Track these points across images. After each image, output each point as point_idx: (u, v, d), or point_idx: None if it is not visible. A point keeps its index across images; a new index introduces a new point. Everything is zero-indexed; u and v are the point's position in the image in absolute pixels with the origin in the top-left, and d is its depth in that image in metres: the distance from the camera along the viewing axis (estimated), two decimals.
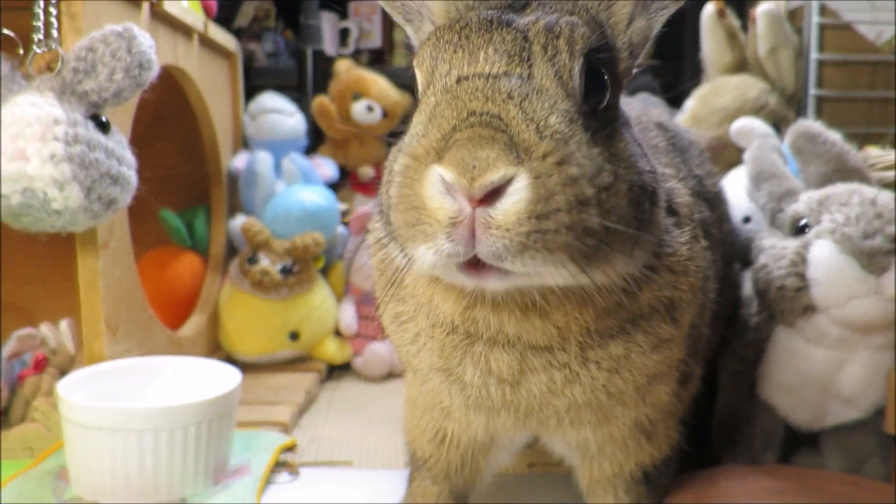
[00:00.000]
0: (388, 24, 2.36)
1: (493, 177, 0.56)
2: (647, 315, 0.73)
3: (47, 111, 0.95)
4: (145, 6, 1.31)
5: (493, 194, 0.56)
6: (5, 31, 1.06)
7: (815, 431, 1.13)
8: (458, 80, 0.61)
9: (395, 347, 0.86)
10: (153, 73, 1.06)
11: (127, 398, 1.08)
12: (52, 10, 1.04)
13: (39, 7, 1.04)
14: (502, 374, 0.73)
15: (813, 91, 1.72)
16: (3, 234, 1.73)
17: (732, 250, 1.18)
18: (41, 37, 1.03)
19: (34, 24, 1.04)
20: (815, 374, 1.06)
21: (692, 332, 0.82)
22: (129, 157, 1.06)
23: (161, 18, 1.39)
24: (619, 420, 0.82)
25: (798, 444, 1.17)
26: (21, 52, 1.07)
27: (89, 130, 0.99)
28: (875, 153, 1.24)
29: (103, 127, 1.02)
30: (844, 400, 1.07)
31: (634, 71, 0.74)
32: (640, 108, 1.11)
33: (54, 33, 1.05)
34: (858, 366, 1.04)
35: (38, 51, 1.03)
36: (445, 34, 0.65)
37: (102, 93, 1.03)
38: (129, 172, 1.05)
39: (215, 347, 1.68)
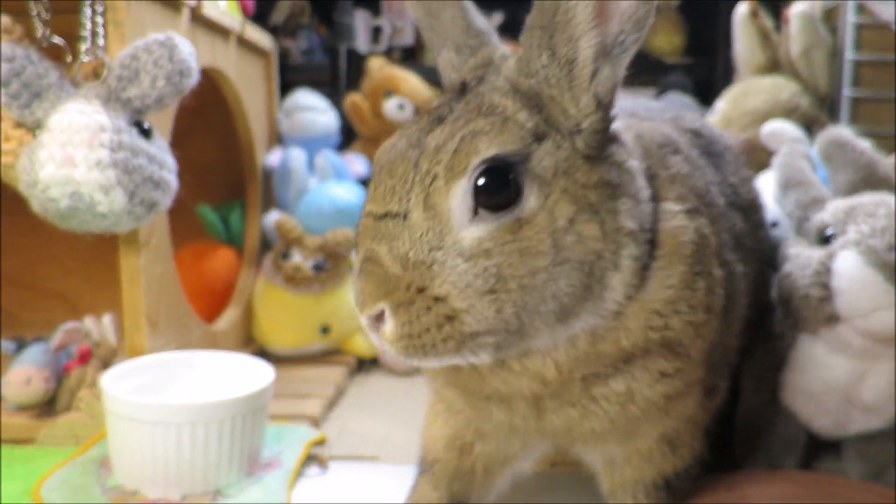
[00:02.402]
0: None
1: (370, 311, 0.68)
2: (640, 354, 0.74)
3: (94, 119, 1.00)
4: (186, 11, 1.35)
5: (378, 318, 0.68)
6: (55, 38, 1.11)
7: (837, 439, 1.14)
8: (364, 215, 0.71)
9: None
10: (193, 81, 1.10)
11: (166, 391, 1.13)
12: (99, 19, 1.09)
13: (86, 16, 1.08)
14: (524, 415, 0.78)
15: (847, 92, 1.70)
16: (49, 226, 1.81)
17: (765, 256, 1.17)
18: (88, 45, 1.08)
19: (81, 32, 1.09)
20: (837, 382, 1.06)
21: (713, 351, 0.81)
22: (170, 161, 1.11)
23: (200, 22, 1.44)
24: (645, 435, 0.84)
25: (819, 450, 1.18)
26: (69, 59, 1.12)
27: (133, 137, 1.03)
28: None
29: (146, 133, 1.07)
30: (866, 409, 1.07)
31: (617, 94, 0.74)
32: (672, 115, 1.07)
33: (100, 41, 1.09)
34: (881, 376, 1.04)
35: (85, 59, 1.08)
36: (376, 159, 0.73)
37: (145, 100, 1.07)
38: (170, 176, 1.10)
39: (248, 340, 1.73)
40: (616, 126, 0.75)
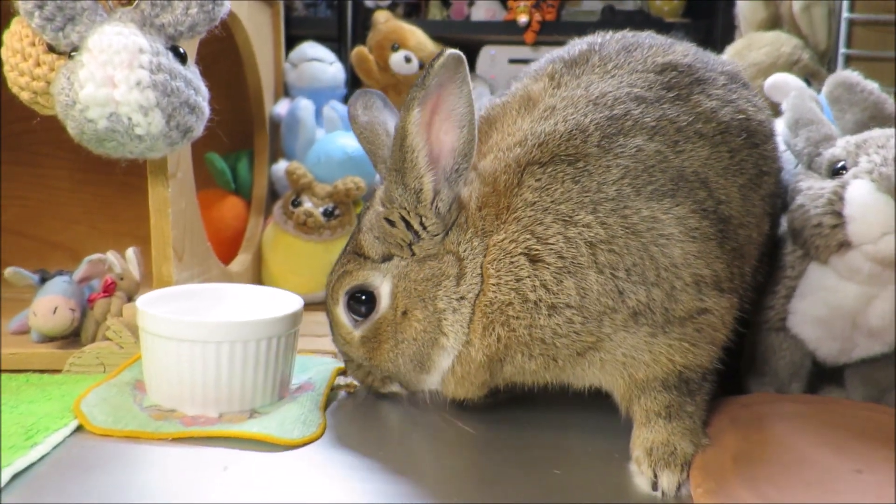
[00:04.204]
0: None
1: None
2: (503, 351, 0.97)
3: (133, 40, 1.00)
4: None
5: None
6: None
7: (840, 365, 1.20)
8: None
9: None
10: (226, 9, 1.11)
11: (198, 316, 1.15)
12: None
13: None
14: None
15: (843, 50, 1.76)
16: (53, 177, 1.80)
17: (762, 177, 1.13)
18: None
19: None
20: (845, 307, 1.12)
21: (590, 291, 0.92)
22: (203, 87, 1.12)
23: None
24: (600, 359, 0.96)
25: (822, 380, 1.24)
26: None
27: (170, 60, 1.04)
28: None
29: (182, 58, 1.07)
30: (871, 334, 1.13)
31: None
32: (658, 47, 1.09)
33: None
34: (887, 301, 1.10)
35: None
36: None
37: (178, 26, 1.08)
38: (204, 103, 1.11)
39: (260, 285, 1.75)
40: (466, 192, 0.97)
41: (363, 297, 1.01)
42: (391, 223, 0.97)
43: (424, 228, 0.96)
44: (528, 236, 0.91)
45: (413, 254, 0.97)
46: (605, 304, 0.90)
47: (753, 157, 1.05)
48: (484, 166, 0.97)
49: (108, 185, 1.81)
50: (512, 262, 0.91)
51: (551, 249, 0.89)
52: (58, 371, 1.20)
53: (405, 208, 0.95)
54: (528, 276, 0.90)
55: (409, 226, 0.96)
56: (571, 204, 0.90)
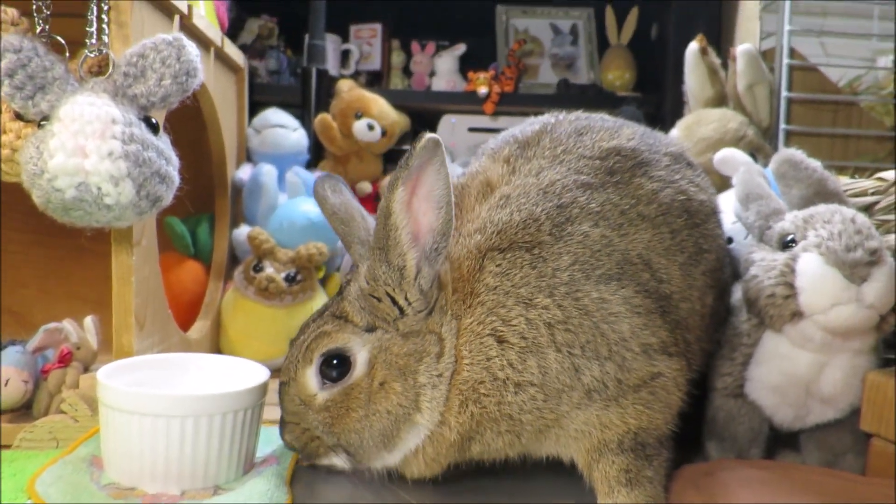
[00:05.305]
0: (387, 49, 2.47)
1: (284, 440, 1.07)
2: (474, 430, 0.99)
3: (106, 111, 1.01)
4: (176, 18, 1.38)
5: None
6: (56, 36, 1.12)
7: (796, 431, 1.24)
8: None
9: None
10: (198, 81, 1.13)
11: (160, 389, 1.12)
12: (105, 18, 1.10)
13: (92, 13, 1.10)
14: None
15: (783, 126, 1.87)
16: (2, 239, 1.75)
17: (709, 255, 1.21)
18: (93, 41, 1.09)
19: (87, 28, 1.10)
20: (799, 375, 1.16)
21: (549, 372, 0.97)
22: (174, 157, 1.12)
23: (187, 30, 1.46)
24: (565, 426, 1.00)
25: (778, 445, 1.28)
26: (67, 55, 1.13)
27: (143, 131, 1.04)
28: (845, 181, 1.37)
29: (154, 128, 1.08)
30: (824, 400, 1.18)
31: None
32: (606, 130, 1.16)
33: (105, 38, 1.11)
34: (838, 368, 1.15)
35: (91, 55, 1.09)
36: None
37: (151, 97, 1.09)
38: (174, 172, 1.11)
39: (217, 352, 1.71)
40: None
41: (336, 362, 0.99)
42: (377, 299, 0.98)
43: (409, 304, 0.97)
44: (493, 318, 0.96)
45: (397, 329, 0.98)
46: (563, 381, 0.96)
47: (694, 237, 1.12)
48: (450, 251, 1.01)
49: (59, 247, 1.77)
50: (482, 343, 0.95)
51: (514, 330, 0.95)
52: (7, 447, 1.14)
53: (389, 285, 0.97)
54: (497, 356, 0.95)
55: (394, 301, 0.98)
56: (530, 288, 0.96)
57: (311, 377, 1.00)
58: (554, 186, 1.03)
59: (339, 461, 1.03)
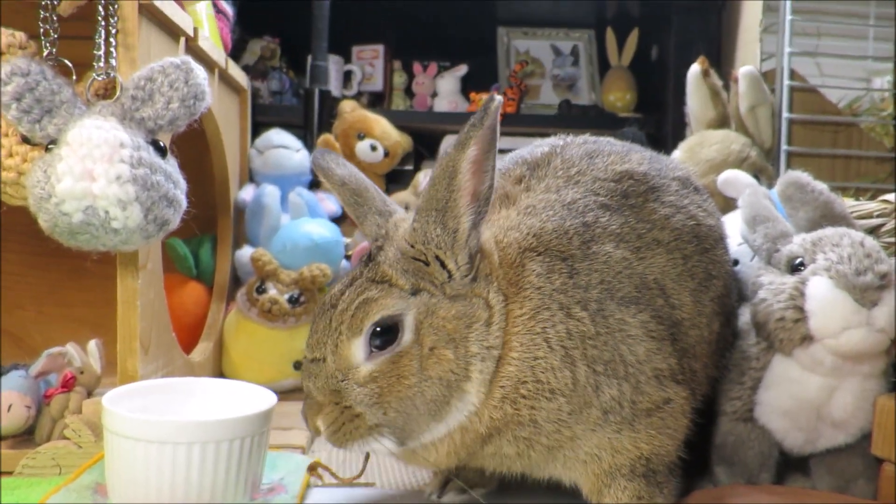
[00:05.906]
0: (390, 70, 2.48)
1: (312, 431, 0.98)
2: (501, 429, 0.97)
3: (114, 134, 1.00)
4: (182, 40, 1.38)
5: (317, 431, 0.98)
6: (64, 59, 1.11)
7: (806, 455, 1.23)
8: (304, 360, 0.99)
9: None
10: (206, 105, 1.12)
11: (166, 414, 1.10)
12: (112, 41, 1.10)
13: (100, 36, 1.10)
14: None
15: (785, 147, 1.88)
16: (0, 261, 1.74)
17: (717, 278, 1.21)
18: (101, 64, 1.09)
19: (94, 52, 1.10)
20: (809, 399, 1.15)
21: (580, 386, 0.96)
22: (182, 180, 1.12)
23: (192, 52, 1.46)
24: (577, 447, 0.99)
25: (788, 469, 1.27)
26: (74, 78, 1.13)
27: (150, 154, 1.04)
28: (850, 202, 1.37)
29: (161, 151, 1.07)
30: (835, 424, 1.17)
31: None
32: (617, 154, 1.17)
33: (113, 62, 1.10)
34: (848, 392, 1.14)
35: (98, 77, 1.09)
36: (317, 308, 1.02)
37: (158, 120, 1.09)
38: (182, 195, 1.10)
39: (220, 374, 1.70)
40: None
41: (388, 331, 0.93)
42: (425, 263, 0.95)
43: (458, 268, 0.95)
44: (542, 318, 0.95)
45: (444, 292, 0.95)
46: (587, 397, 0.95)
47: (704, 262, 1.12)
48: (485, 234, 0.99)
49: (57, 269, 1.76)
50: (532, 341, 0.94)
51: (558, 336, 0.94)
52: (9, 473, 1.13)
53: (441, 248, 0.94)
54: (543, 357, 0.94)
55: (442, 265, 0.95)
56: (568, 297, 0.96)
57: (358, 348, 0.93)
58: (576, 204, 1.03)
59: (378, 444, 0.96)
